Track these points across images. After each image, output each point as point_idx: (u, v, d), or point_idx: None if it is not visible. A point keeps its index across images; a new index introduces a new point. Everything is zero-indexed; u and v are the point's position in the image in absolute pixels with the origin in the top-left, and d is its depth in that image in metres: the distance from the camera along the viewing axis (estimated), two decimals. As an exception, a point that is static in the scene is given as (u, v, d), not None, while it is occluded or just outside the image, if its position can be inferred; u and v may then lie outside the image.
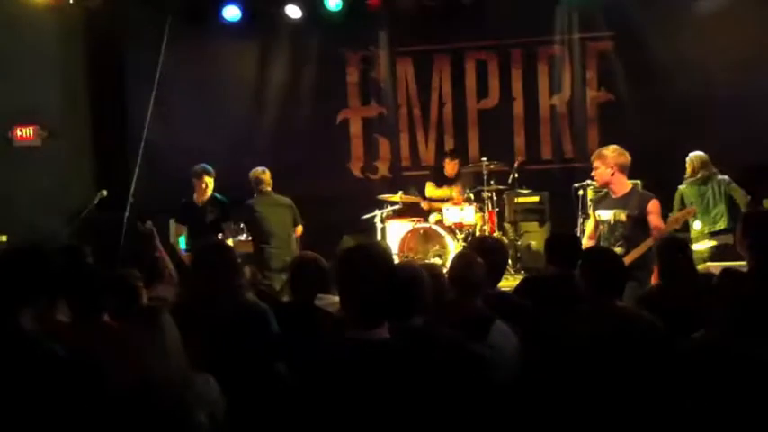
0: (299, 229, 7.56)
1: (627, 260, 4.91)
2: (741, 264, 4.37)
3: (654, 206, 5.47)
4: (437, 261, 8.17)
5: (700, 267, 5.77)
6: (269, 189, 7.53)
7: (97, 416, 2.82)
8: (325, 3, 9.34)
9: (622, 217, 5.49)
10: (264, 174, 7.56)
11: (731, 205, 7.59)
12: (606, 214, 5.59)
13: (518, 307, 4.14)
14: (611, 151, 5.66)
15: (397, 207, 9.23)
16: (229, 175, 8.41)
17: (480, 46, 10.16)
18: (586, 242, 5.57)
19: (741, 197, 7.59)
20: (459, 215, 8.95)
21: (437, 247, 8.71)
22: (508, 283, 6.71)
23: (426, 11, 9.50)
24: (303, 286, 4.20)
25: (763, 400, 2.94)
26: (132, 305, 3.64)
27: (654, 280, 4.54)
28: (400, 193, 9.20)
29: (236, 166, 9.59)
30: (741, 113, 8.85)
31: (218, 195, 7.56)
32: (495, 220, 9.31)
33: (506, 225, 9.55)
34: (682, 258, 4.32)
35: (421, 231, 8.88)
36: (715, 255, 7.39)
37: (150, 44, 9.46)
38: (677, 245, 4.49)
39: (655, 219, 5.40)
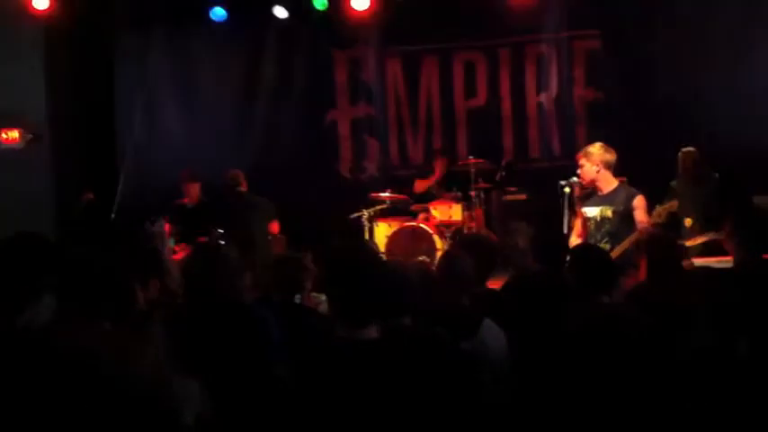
0: (275, 226, 7.64)
1: (612, 255, 4.93)
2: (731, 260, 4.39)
3: (640, 202, 5.49)
4: (425, 260, 8.17)
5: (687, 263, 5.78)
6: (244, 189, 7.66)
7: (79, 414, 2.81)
8: (313, 2, 9.33)
9: (609, 213, 5.52)
10: (240, 174, 7.70)
11: (724, 202, 7.54)
12: (593, 211, 5.62)
13: (506, 304, 4.15)
14: (597, 148, 5.69)
15: (384, 206, 9.23)
16: (217, 177, 8.41)
17: (468, 46, 10.16)
18: (574, 239, 5.60)
19: (733, 194, 7.52)
20: (446, 213, 8.96)
21: (425, 246, 8.71)
22: (496, 281, 6.71)
23: (415, 11, 9.50)
24: (284, 284, 4.20)
25: (744, 400, 2.95)
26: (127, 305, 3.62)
27: (641, 276, 4.54)
28: (388, 192, 9.21)
29: (224, 168, 9.61)
30: (729, 110, 8.87)
31: (206, 199, 7.60)
32: (483, 218, 9.33)
33: (494, 223, 9.56)
34: (669, 254, 4.33)
35: (409, 230, 8.88)
36: (706, 251, 7.39)
37: (137, 46, 9.44)
38: (664, 240, 4.50)
39: (640, 214, 5.42)
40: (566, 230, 5.69)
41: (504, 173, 9.39)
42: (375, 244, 8.59)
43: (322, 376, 2.63)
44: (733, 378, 2.86)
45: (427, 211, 9.13)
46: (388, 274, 2.82)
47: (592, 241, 5.40)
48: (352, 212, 9.13)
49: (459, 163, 9.47)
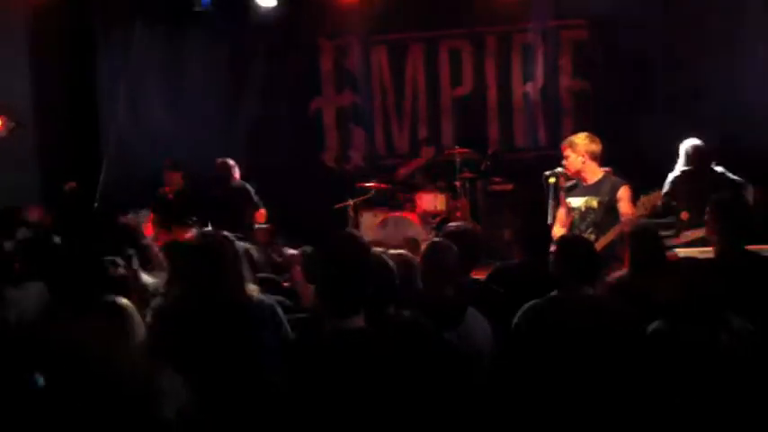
0: (261, 214, 7.72)
1: (597, 246, 4.93)
2: None
3: (625, 192, 5.49)
4: (410, 250, 8.16)
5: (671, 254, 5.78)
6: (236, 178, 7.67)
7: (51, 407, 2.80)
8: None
9: (594, 204, 5.52)
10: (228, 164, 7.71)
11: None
12: (577, 201, 5.62)
13: (491, 294, 4.16)
14: (582, 139, 5.68)
15: (370, 196, 9.22)
16: (201, 167, 8.37)
17: (454, 34, 10.14)
18: (558, 230, 5.60)
19: (740, 186, 7.24)
20: (432, 203, 8.97)
21: (411, 236, 8.71)
22: (481, 271, 6.73)
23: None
24: None
25: (715, 388, 2.97)
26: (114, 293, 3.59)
27: (624, 267, 4.55)
28: (373, 182, 9.20)
29: (208, 158, 9.56)
30: (717, 100, 8.90)
31: (188, 188, 7.58)
32: (468, 208, 9.33)
33: (479, 213, 9.57)
34: (651, 246, 4.34)
35: (394, 220, 8.88)
36: (701, 243, 7.33)
37: (121, 36, 9.36)
38: (647, 232, 4.52)
39: (625, 205, 5.43)
40: (550, 221, 5.70)
41: (489, 163, 9.39)
42: (361, 234, 8.57)
43: (311, 365, 2.63)
44: (716, 368, 2.88)
45: (413, 201, 9.12)
46: (374, 263, 2.82)
47: (576, 232, 5.40)
48: (338, 202, 9.11)
49: (445, 153, 9.47)
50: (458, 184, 9.18)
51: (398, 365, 2.61)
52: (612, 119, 9.01)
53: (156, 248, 5.30)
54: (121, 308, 2.92)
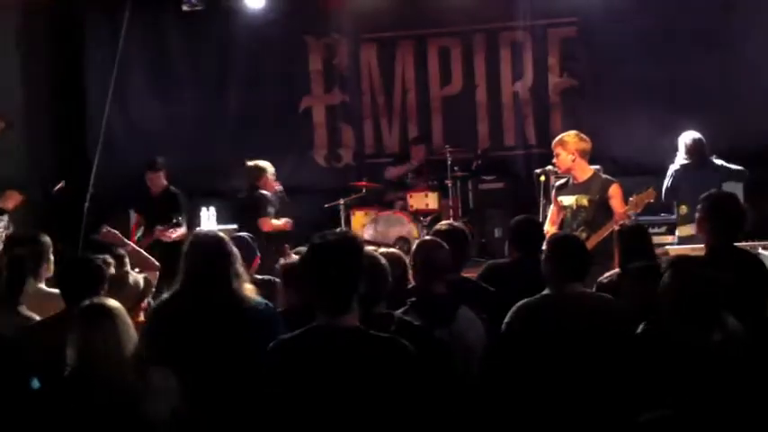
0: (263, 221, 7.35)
1: (589, 244, 4.95)
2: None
3: (615, 190, 5.52)
4: (402, 248, 8.18)
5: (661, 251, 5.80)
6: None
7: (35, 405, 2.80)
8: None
9: (584, 202, 5.54)
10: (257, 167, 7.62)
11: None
12: (568, 200, 5.64)
13: (482, 293, 4.17)
14: (572, 137, 5.71)
15: (361, 195, 9.21)
16: (189, 165, 8.35)
17: (443, 32, 10.14)
18: (549, 228, 5.62)
19: (739, 175, 7.18)
20: (423, 202, 8.99)
21: (402, 234, 8.74)
22: (472, 269, 6.74)
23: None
24: None
25: (704, 388, 2.97)
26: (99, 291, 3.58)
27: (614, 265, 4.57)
28: (364, 180, 9.20)
29: (196, 156, 9.55)
30: (704, 96, 8.94)
31: (172, 188, 7.50)
32: (460, 206, 9.35)
33: (470, 211, 9.59)
34: (639, 243, 4.35)
35: (385, 218, 8.89)
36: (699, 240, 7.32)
37: (109, 33, 9.31)
38: (637, 231, 4.53)
39: (617, 203, 5.46)
40: (541, 219, 5.72)
41: (480, 161, 9.42)
42: (357, 233, 8.58)
43: (302, 363, 2.63)
44: (709, 368, 2.88)
45: (404, 199, 9.14)
46: (367, 262, 2.83)
47: (568, 230, 5.42)
48: (329, 201, 9.11)
49: (437, 152, 9.50)
50: (449, 182, 9.20)
51: (390, 364, 2.61)
52: (601, 117, 9.03)
53: (140, 253, 5.27)
54: (110, 309, 2.91)
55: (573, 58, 9.77)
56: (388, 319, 3.17)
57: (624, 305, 3.55)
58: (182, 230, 7.14)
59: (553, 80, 9.91)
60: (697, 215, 4.34)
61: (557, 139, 5.81)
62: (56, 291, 3.93)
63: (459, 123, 10.05)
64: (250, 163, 7.68)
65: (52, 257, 4.58)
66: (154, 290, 4.67)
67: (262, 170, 7.60)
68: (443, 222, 4.94)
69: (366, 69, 10.24)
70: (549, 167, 5.84)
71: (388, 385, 2.59)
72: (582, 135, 5.76)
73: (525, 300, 3.67)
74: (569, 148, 5.66)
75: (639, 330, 3.25)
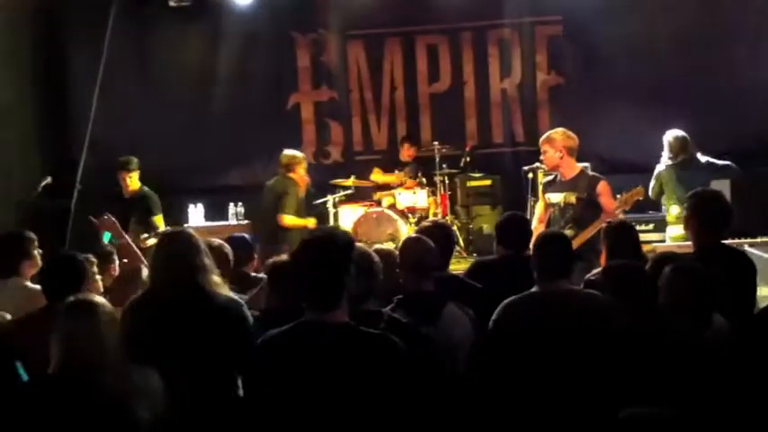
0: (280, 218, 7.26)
1: (577, 242, 4.97)
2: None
3: (603, 188, 5.53)
4: (390, 245, 8.17)
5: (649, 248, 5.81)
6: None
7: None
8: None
9: (572, 199, 5.55)
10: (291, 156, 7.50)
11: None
12: (556, 197, 5.65)
13: (469, 290, 4.16)
14: (560, 134, 5.71)
15: (349, 192, 9.20)
16: (176, 163, 8.29)
17: (431, 29, 10.14)
18: (536, 225, 5.63)
19: (726, 171, 7.09)
20: (411, 199, 9.01)
21: (390, 231, 8.73)
22: (460, 266, 6.75)
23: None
24: None
25: (686, 381, 2.98)
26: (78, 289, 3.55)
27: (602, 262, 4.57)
28: (352, 177, 9.18)
29: (183, 153, 9.51)
30: (691, 94, 8.97)
31: (145, 189, 7.28)
32: (448, 203, 9.36)
33: (458, 208, 9.60)
34: (625, 240, 4.34)
35: (374, 216, 8.88)
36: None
37: (95, 30, 9.25)
38: (624, 228, 4.53)
39: (605, 200, 5.47)
40: (529, 216, 5.72)
41: (468, 158, 9.44)
42: (347, 230, 8.56)
43: (292, 359, 2.63)
44: (699, 365, 2.89)
45: (393, 196, 9.14)
46: (357, 258, 2.83)
47: (556, 227, 5.42)
48: (317, 198, 9.09)
49: (423, 149, 9.50)
50: (437, 179, 9.21)
51: (380, 360, 2.62)
52: (588, 114, 9.05)
53: (131, 247, 5.26)
54: (95, 305, 2.89)
55: (560, 55, 9.80)
56: (378, 316, 3.16)
57: (612, 302, 3.55)
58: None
59: (541, 77, 9.94)
60: (684, 214, 4.35)
61: (544, 136, 5.82)
62: (38, 287, 3.90)
63: (447, 120, 10.06)
64: (287, 151, 7.58)
65: (37, 254, 4.55)
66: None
67: (296, 160, 7.51)
68: (428, 220, 4.94)
69: (354, 66, 10.23)
70: (537, 165, 5.84)
71: (377, 381, 2.59)
72: (569, 132, 5.76)
73: (512, 297, 3.67)
74: (557, 146, 5.66)
75: (629, 325, 3.26)
